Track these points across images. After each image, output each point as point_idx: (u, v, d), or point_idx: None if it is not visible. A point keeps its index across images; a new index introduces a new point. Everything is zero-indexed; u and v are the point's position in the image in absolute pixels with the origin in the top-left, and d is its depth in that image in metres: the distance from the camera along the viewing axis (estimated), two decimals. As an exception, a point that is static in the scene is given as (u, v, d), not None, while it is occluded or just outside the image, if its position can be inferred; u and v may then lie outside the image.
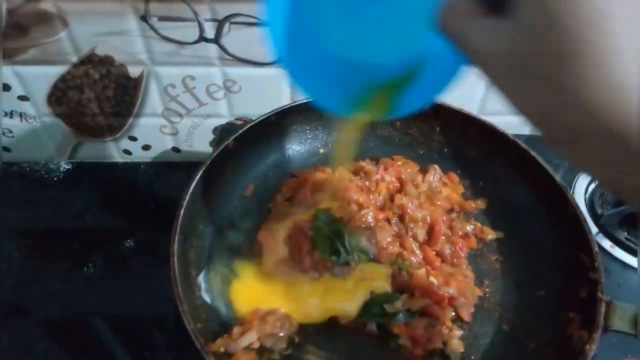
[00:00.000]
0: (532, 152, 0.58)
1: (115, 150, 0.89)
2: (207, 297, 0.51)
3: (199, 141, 0.88)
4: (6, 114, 0.81)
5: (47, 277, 0.74)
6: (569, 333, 0.48)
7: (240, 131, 0.57)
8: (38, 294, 0.72)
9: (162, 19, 0.70)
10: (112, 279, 0.74)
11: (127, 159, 0.90)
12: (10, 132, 0.84)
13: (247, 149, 0.60)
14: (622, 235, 0.67)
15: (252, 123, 0.58)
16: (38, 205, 0.84)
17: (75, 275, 0.74)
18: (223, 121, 0.84)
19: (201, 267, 0.54)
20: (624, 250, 0.66)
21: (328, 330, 0.50)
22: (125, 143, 0.87)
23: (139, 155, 0.89)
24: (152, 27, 0.71)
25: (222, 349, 0.45)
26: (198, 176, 0.53)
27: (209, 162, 0.55)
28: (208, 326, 0.46)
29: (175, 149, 0.89)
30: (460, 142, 0.63)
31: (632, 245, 0.65)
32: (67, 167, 0.89)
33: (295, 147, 0.66)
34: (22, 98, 0.79)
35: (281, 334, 0.47)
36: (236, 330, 0.46)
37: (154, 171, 0.90)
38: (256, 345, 0.46)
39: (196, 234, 0.54)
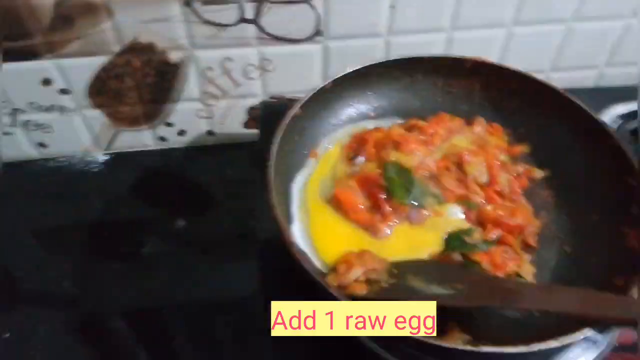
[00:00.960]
0: (569, 96, 0.64)
1: (151, 138, 0.90)
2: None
3: (232, 123, 0.90)
4: (45, 109, 0.82)
5: (107, 269, 0.75)
6: (626, 246, 0.54)
7: (305, 99, 0.62)
8: (105, 287, 0.73)
9: (205, 2, 0.73)
10: (167, 267, 0.75)
11: (162, 145, 0.92)
12: (50, 126, 0.85)
13: (309, 116, 0.65)
14: None
15: (315, 91, 0.63)
16: (79, 198, 0.85)
17: (136, 265, 0.76)
18: (256, 101, 0.87)
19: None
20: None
21: (418, 262, 0.55)
22: (162, 129, 0.89)
23: (174, 141, 0.91)
24: (195, 12, 0.74)
25: (335, 283, 0.49)
26: (279, 139, 0.57)
27: (284, 129, 0.59)
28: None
29: (210, 132, 0.92)
30: (500, 95, 0.69)
31: None
32: (105, 158, 0.91)
33: (350, 111, 0.71)
34: (63, 91, 0.80)
35: (380, 268, 0.52)
36: (341, 267, 0.51)
37: (186, 156, 0.92)
38: (362, 278, 0.50)
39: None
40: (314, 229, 0.58)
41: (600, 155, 0.61)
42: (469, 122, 0.69)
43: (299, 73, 0.84)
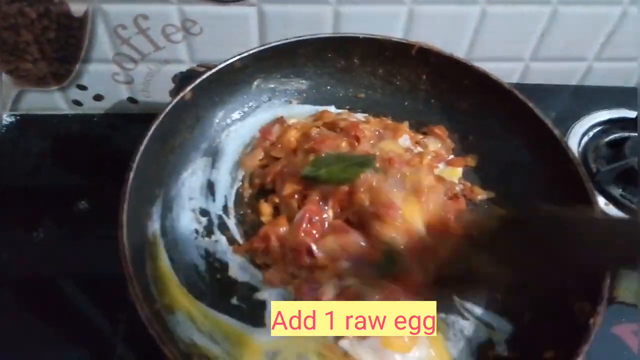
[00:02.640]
0: (529, 104, 0.52)
1: (63, 101, 0.79)
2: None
3: (158, 91, 0.79)
4: None
5: (3, 241, 0.66)
6: (569, 302, 0.44)
7: (199, 80, 0.49)
8: None
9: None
10: (71, 239, 0.67)
11: (77, 110, 0.81)
12: (-62, 80, 0.73)
13: (206, 101, 0.52)
14: (617, 192, 0.62)
15: (212, 71, 0.50)
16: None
17: (27, 239, 0.67)
18: (183, 68, 0.75)
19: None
20: (618, 208, 0.61)
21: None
22: (74, 92, 0.78)
23: (91, 107, 0.80)
24: (93, -45, 0.60)
25: None
26: (150, 133, 0.46)
27: (162, 116, 0.47)
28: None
29: (132, 100, 0.80)
30: (450, 92, 0.57)
31: (628, 202, 0.61)
32: (10, 120, 0.80)
33: (264, 99, 0.58)
34: (-52, 40, 0.68)
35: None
36: None
37: (109, 124, 0.81)
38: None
39: (150, 199, 0.47)
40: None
41: (554, 181, 0.50)
42: (413, 124, 0.56)
43: (233, 39, 0.72)
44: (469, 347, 0.45)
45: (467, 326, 0.46)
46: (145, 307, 0.37)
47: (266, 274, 0.48)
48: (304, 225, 0.47)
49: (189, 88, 0.49)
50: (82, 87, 0.77)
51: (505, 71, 0.75)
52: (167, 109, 0.47)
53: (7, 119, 0.80)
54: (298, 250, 0.46)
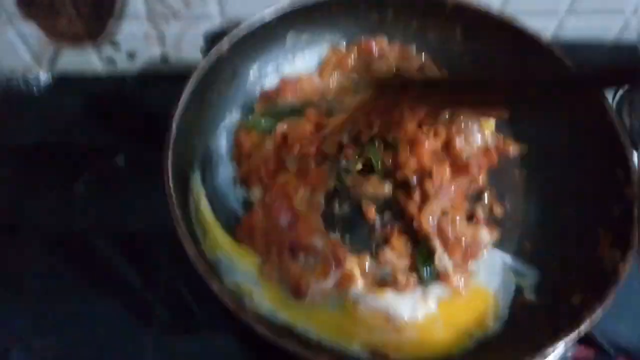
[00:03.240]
0: (566, 60, 0.51)
1: (98, 60, 0.81)
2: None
3: (189, 50, 0.80)
4: (-30, 19, 0.72)
5: (40, 195, 0.70)
6: (598, 252, 0.44)
7: (234, 35, 0.50)
8: (32, 212, 0.69)
9: None
10: (106, 195, 0.70)
11: (111, 69, 0.83)
12: (-21, 39, 0.75)
13: (242, 56, 0.53)
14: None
15: (247, 26, 0.51)
16: (21, 120, 0.78)
17: (68, 192, 0.70)
18: (214, 24, 0.76)
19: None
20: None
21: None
22: (108, 51, 0.79)
23: (124, 65, 0.82)
24: None
25: None
26: (189, 89, 0.47)
27: (200, 71, 0.48)
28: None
29: (164, 59, 0.81)
30: (484, 48, 0.56)
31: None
32: (46, 78, 0.82)
33: (297, 52, 0.59)
34: (-13, -2, 0.70)
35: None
36: None
37: (142, 82, 0.83)
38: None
39: (191, 150, 0.49)
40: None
41: (589, 132, 0.50)
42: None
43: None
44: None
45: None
46: (192, 247, 0.39)
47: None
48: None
49: (225, 43, 0.50)
50: (116, 46, 0.79)
51: (540, 25, 0.74)
52: (204, 64, 0.48)
53: (44, 77, 0.82)
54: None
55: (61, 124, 0.78)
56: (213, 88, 0.51)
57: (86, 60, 0.80)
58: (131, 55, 0.80)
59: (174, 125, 0.44)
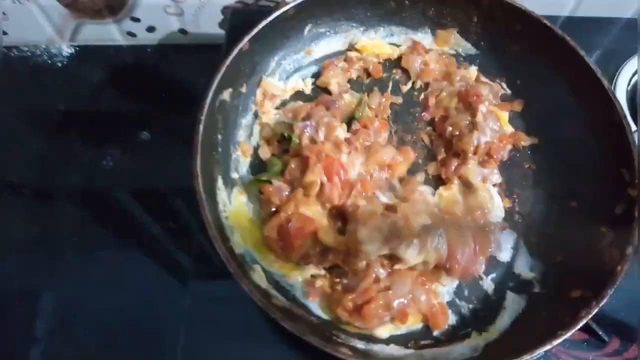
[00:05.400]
0: (580, 51, 0.52)
1: (118, 33, 0.82)
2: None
3: (207, 22, 0.80)
4: (-5, -5, 0.73)
5: (69, 163, 0.74)
6: (600, 248, 0.47)
7: (254, 30, 0.51)
8: (63, 176, 0.73)
9: None
10: (132, 158, 0.74)
11: (131, 41, 0.84)
12: (4, 14, 0.77)
13: (262, 49, 0.55)
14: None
15: (267, 19, 0.52)
16: (46, 89, 0.80)
17: (97, 158, 0.74)
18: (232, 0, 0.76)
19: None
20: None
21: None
22: (128, 24, 0.80)
23: (144, 38, 0.83)
24: None
25: None
26: (215, 85, 0.49)
27: (223, 68, 0.50)
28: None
29: (182, 31, 0.82)
30: (500, 35, 0.57)
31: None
32: (69, 50, 0.84)
33: (314, 43, 0.60)
34: (11, -24, 0.70)
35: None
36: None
37: (161, 54, 0.84)
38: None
39: (214, 145, 0.52)
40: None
41: (598, 131, 0.51)
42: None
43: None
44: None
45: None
46: (222, 246, 0.43)
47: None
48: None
49: (246, 38, 0.51)
50: (136, 20, 0.79)
51: (556, 4, 0.72)
52: (227, 61, 0.50)
53: (67, 50, 0.84)
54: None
55: (85, 93, 0.81)
56: (235, 82, 0.53)
57: (107, 33, 0.82)
58: (151, 29, 0.81)
59: (200, 127, 0.47)
